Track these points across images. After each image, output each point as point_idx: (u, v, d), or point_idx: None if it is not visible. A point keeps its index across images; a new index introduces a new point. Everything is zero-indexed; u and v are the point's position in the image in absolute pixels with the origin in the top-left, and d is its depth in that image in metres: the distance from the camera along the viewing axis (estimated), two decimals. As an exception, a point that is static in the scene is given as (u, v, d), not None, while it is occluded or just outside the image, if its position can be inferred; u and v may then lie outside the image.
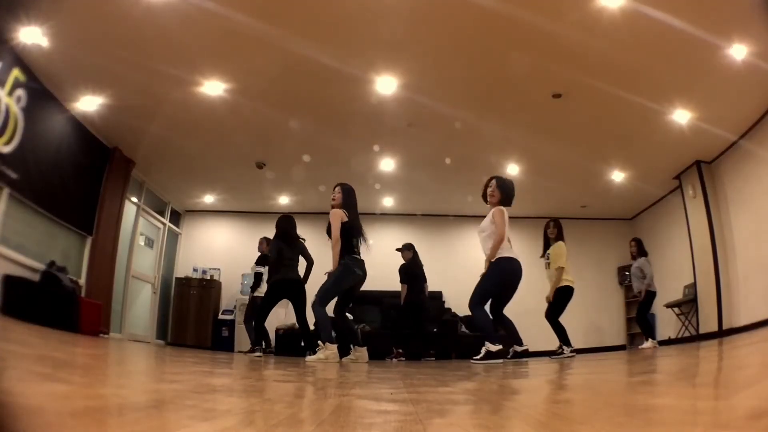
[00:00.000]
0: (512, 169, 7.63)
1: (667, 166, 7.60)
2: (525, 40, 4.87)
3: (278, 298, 5.56)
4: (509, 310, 4.84)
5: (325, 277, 4.74)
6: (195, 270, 9.23)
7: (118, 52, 4.95)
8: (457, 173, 7.91)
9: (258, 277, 7.01)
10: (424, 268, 7.10)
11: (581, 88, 5.57)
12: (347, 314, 7.73)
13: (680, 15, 4.36)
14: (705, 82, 5.41)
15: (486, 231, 4.58)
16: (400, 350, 6.73)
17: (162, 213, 9.07)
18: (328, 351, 4.48)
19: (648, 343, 6.55)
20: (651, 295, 6.82)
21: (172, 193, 9.08)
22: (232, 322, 8.77)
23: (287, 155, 7.45)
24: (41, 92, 5.38)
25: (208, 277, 9.16)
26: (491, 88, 5.81)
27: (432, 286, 7.51)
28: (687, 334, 7.47)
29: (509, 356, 4.82)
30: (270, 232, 6.07)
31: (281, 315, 7.54)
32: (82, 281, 6.43)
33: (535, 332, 6.08)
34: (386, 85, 5.63)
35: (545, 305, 5.77)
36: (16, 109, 4.98)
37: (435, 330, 7.96)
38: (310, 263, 5.83)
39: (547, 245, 5.84)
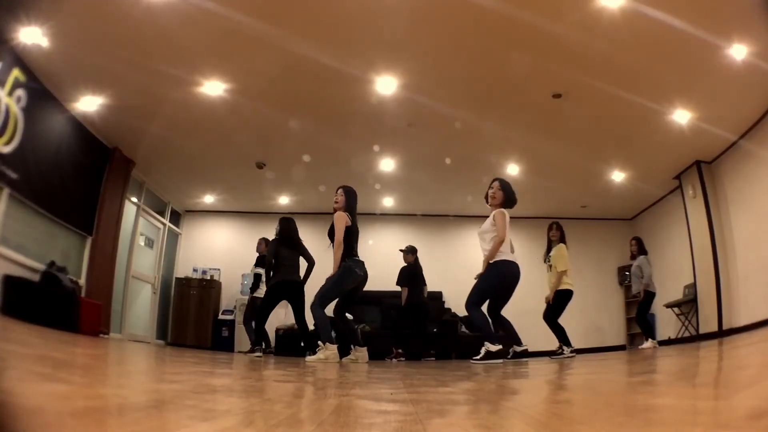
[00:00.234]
0: (512, 169, 7.63)
1: (667, 166, 7.60)
2: (525, 40, 4.87)
3: (278, 299, 5.56)
4: (509, 310, 4.85)
5: (325, 279, 4.74)
6: (195, 270, 9.23)
7: (118, 52, 4.95)
8: (457, 173, 7.91)
9: (257, 277, 7.02)
10: (424, 269, 7.12)
11: (581, 88, 5.57)
12: (347, 314, 7.75)
13: (680, 15, 4.36)
14: (705, 82, 5.41)
15: (488, 233, 4.58)
16: (400, 350, 6.73)
17: (162, 213, 9.07)
18: (328, 351, 4.48)
19: (648, 343, 6.55)
20: (650, 296, 6.81)
21: (172, 193, 9.08)
22: (232, 322, 8.77)
23: (287, 155, 7.45)
24: (41, 92, 5.38)
25: (208, 277, 9.16)
26: (491, 88, 5.81)
27: (432, 286, 7.51)
28: (687, 334, 7.47)
29: (509, 356, 4.82)
30: (270, 232, 6.08)
31: (281, 315, 7.54)
32: (82, 281, 6.43)
33: (535, 332, 6.08)
34: (386, 85, 5.63)
35: (544, 305, 5.78)
36: (16, 109, 4.98)
37: (435, 330, 7.96)
38: (311, 264, 5.81)
39: (549, 248, 5.85)
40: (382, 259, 7.73)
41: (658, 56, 5.00)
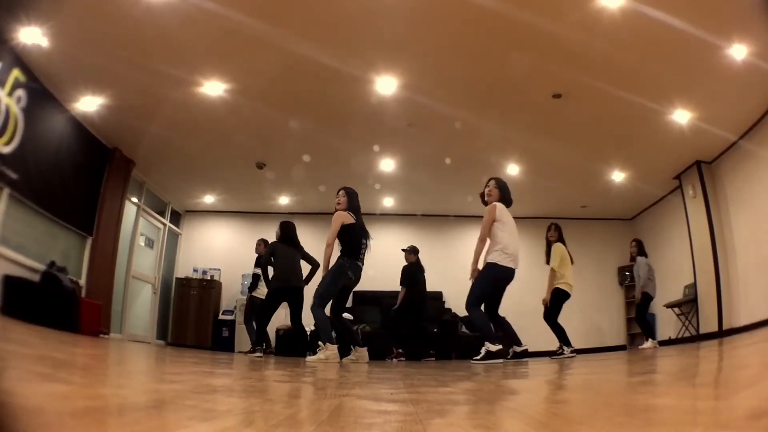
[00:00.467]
0: (512, 169, 7.63)
1: (667, 166, 7.59)
2: (525, 40, 4.87)
3: (278, 302, 5.61)
4: (509, 311, 4.85)
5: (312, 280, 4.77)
6: (195, 270, 9.23)
7: (118, 52, 4.95)
8: (457, 173, 7.91)
9: (256, 277, 7.02)
10: (425, 272, 7.12)
11: (581, 88, 5.57)
12: (347, 315, 7.75)
13: (680, 15, 4.36)
14: (705, 82, 5.41)
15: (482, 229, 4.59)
16: (400, 350, 6.73)
17: (162, 213, 9.07)
18: (328, 351, 4.48)
19: (648, 344, 6.55)
20: (647, 297, 6.82)
21: (172, 193, 9.08)
22: (233, 322, 8.77)
23: (287, 155, 7.45)
24: (41, 92, 5.38)
25: (209, 278, 9.16)
26: (491, 88, 5.81)
27: (432, 286, 7.51)
28: (687, 334, 7.47)
29: (509, 356, 4.82)
30: (270, 233, 6.09)
31: (281, 316, 7.53)
32: (82, 281, 6.43)
33: (535, 332, 6.08)
34: (386, 85, 5.63)
35: (542, 305, 5.78)
36: (16, 110, 4.98)
37: (435, 330, 7.97)
38: (315, 266, 5.81)
39: (548, 249, 5.85)
40: (382, 259, 7.71)
41: (658, 56, 5.00)
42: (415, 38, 4.97)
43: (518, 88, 5.77)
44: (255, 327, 6.10)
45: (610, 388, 1.75)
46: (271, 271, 5.86)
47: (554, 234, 5.82)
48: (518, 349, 4.90)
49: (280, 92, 5.88)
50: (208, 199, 9.35)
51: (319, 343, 4.64)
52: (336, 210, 4.88)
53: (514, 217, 4.77)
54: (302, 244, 5.93)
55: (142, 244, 8.38)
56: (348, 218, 4.76)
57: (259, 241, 7.25)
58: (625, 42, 4.77)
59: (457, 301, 8.73)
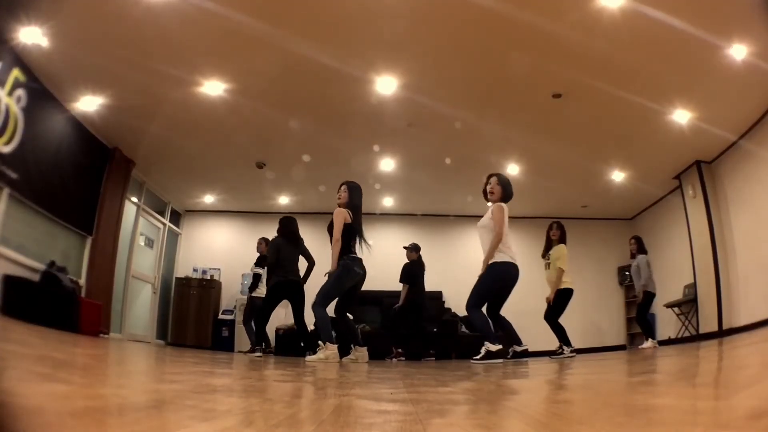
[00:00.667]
0: (512, 169, 7.63)
1: (667, 166, 7.60)
2: (525, 40, 4.87)
3: (279, 299, 5.58)
4: (509, 310, 4.84)
5: (325, 278, 4.74)
6: (195, 270, 9.23)
7: (118, 52, 4.95)
8: (457, 173, 7.91)
9: (256, 277, 7.02)
10: (425, 270, 7.12)
11: (581, 88, 5.57)
12: (348, 314, 7.73)
13: (680, 15, 4.36)
14: (705, 82, 5.41)
15: (486, 226, 4.57)
16: (400, 350, 6.73)
17: (162, 213, 9.07)
18: (328, 351, 4.48)
19: (648, 343, 6.55)
20: (649, 296, 6.80)
21: (172, 193, 9.08)
22: (232, 322, 8.77)
23: (287, 155, 7.45)
24: (41, 92, 5.38)
25: (208, 277, 9.16)
26: (491, 88, 5.81)
27: (432, 286, 7.52)
28: (687, 334, 7.47)
29: (509, 356, 4.82)
30: (270, 232, 6.08)
31: (281, 315, 7.54)
32: (82, 281, 6.43)
33: (535, 332, 6.08)
34: (386, 85, 5.63)
35: (545, 305, 5.78)
36: (16, 109, 4.98)
37: (435, 330, 7.97)
38: (311, 264, 5.84)
39: (548, 246, 5.84)
40: (382, 259, 7.72)
41: (658, 56, 5.00)
42: (415, 38, 4.97)
43: (518, 88, 5.77)
44: (254, 327, 6.09)
45: (610, 388, 1.75)
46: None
47: (557, 233, 5.81)
48: (518, 348, 4.89)
49: (280, 92, 5.88)
50: (208, 199, 9.35)
51: (319, 342, 4.63)
52: (338, 205, 4.87)
53: (514, 217, 4.77)
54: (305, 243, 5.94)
55: (142, 243, 8.38)
56: (348, 217, 4.76)
57: (260, 240, 7.24)
58: (625, 42, 4.77)
59: (457, 301, 8.73)
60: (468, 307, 4.49)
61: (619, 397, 1.41)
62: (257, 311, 6.08)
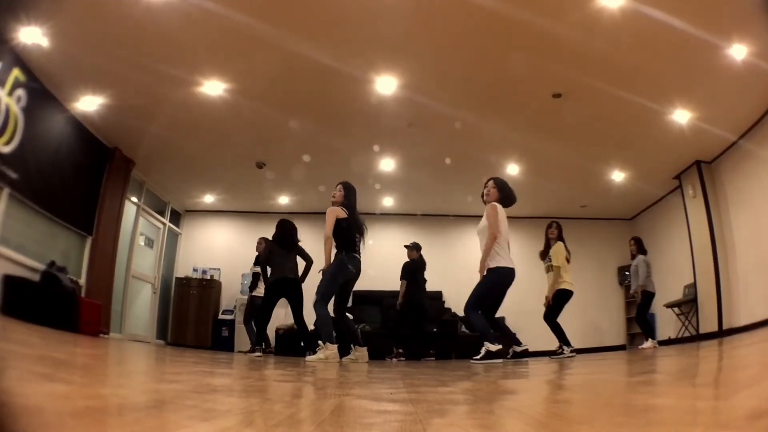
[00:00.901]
0: (512, 169, 7.63)
1: (667, 166, 7.60)
2: (525, 40, 4.86)
3: (277, 297, 5.60)
4: (510, 310, 4.85)
5: (321, 276, 4.76)
6: (195, 270, 9.23)
7: (118, 52, 4.95)
8: (457, 173, 7.91)
9: (256, 276, 7.03)
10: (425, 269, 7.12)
11: (581, 88, 5.57)
12: (347, 314, 7.73)
13: (680, 15, 4.36)
14: (705, 82, 5.41)
15: (484, 231, 4.56)
16: (401, 350, 6.72)
17: (162, 213, 9.07)
18: (328, 351, 4.48)
19: (648, 343, 6.55)
20: (648, 296, 6.81)
21: (172, 193, 9.08)
22: (232, 322, 8.78)
23: (287, 155, 7.45)
24: (41, 92, 5.38)
25: (208, 277, 9.16)
26: (491, 88, 5.81)
27: (432, 286, 7.51)
28: (687, 334, 7.47)
29: (509, 356, 4.82)
30: (270, 233, 6.09)
31: (281, 315, 7.54)
32: (82, 281, 6.43)
33: (535, 332, 6.09)
34: (386, 85, 5.63)
35: (544, 305, 5.78)
36: (16, 109, 4.98)
37: (435, 330, 7.97)
38: (309, 263, 5.89)
39: (547, 246, 5.85)
40: (382, 259, 7.73)
41: (658, 56, 5.00)
42: (415, 38, 4.97)
43: (518, 88, 5.77)
44: (254, 327, 6.10)
45: (610, 388, 1.75)
46: (269, 270, 5.90)
47: (554, 232, 5.82)
48: (518, 348, 4.89)
49: (280, 92, 5.88)
50: (208, 199, 9.35)
51: (319, 342, 4.64)
52: (332, 203, 4.91)
53: (515, 217, 4.77)
54: (302, 244, 5.95)
55: (142, 243, 8.38)
56: (341, 213, 4.79)
57: (260, 239, 7.25)
58: (625, 42, 4.77)
59: (457, 301, 8.72)
60: (466, 309, 4.48)
61: (619, 397, 1.41)
62: (257, 311, 6.10)
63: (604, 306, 9.49)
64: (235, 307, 8.90)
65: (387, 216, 9.71)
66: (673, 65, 5.13)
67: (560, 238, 5.81)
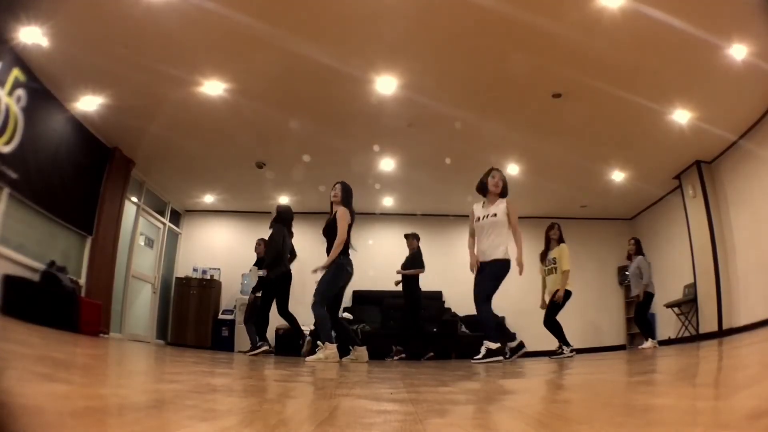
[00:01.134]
0: (512, 169, 7.63)
1: (667, 166, 7.60)
2: (525, 40, 4.86)
3: (282, 290, 5.70)
4: (509, 310, 4.85)
5: (314, 275, 4.74)
6: (195, 270, 9.23)
7: (118, 52, 4.95)
8: (457, 173, 7.91)
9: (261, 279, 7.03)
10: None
11: (581, 88, 5.57)
12: (347, 314, 7.73)
13: (680, 15, 4.36)
14: (705, 82, 5.41)
15: (503, 225, 4.55)
16: (400, 348, 6.71)
17: (162, 213, 9.07)
18: (328, 351, 4.48)
19: (648, 343, 6.55)
20: (649, 296, 6.81)
21: (172, 193, 9.08)
22: (232, 322, 8.78)
23: (287, 155, 7.45)
24: (41, 92, 5.38)
25: (208, 277, 9.16)
26: (491, 88, 5.81)
27: (432, 286, 7.52)
28: (687, 334, 7.47)
29: (507, 356, 4.82)
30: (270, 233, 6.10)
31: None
32: (82, 281, 6.43)
33: (535, 332, 6.08)
34: (386, 85, 5.63)
35: (545, 304, 5.78)
36: (16, 109, 4.98)
37: (435, 330, 7.97)
38: (293, 257, 5.98)
39: (547, 247, 5.84)
40: (382, 259, 7.74)
41: (658, 56, 5.00)
42: (415, 38, 4.97)
43: (518, 88, 5.77)
44: (257, 319, 6.07)
45: (610, 388, 1.75)
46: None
47: (556, 233, 5.83)
48: (512, 344, 4.87)
49: (280, 92, 5.88)
50: (208, 199, 9.35)
51: (318, 342, 4.64)
52: (332, 202, 4.90)
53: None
54: (302, 244, 5.99)
55: (142, 243, 8.38)
56: (349, 217, 4.80)
57: (258, 240, 7.25)
58: (625, 42, 4.77)
59: (457, 301, 8.73)
60: (481, 301, 4.46)
61: (619, 397, 1.41)
62: (260, 307, 6.04)
63: (604, 306, 9.48)
64: (235, 307, 8.89)
65: (387, 216, 9.71)
66: (673, 65, 5.13)
67: (561, 239, 5.80)
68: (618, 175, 7.93)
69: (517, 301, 5.10)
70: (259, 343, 5.92)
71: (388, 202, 9.36)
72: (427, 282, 7.17)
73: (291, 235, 5.94)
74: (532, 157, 7.40)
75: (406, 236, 7.14)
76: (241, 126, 6.59)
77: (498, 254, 4.48)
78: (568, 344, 5.54)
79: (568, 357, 5.35)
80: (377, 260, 8.08)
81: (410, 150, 7.35)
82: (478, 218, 4.65)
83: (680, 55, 4.94)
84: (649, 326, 7.06)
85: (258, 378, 2.31)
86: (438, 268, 8.41)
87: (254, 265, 7.26)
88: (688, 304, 7.60)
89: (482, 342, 4.35)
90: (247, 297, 7.55)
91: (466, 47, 5.07)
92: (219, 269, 9.30)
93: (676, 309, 7.87)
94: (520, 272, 4.58)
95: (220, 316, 8.90)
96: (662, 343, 7.55)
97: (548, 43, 4.83)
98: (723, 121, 6.13)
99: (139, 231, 8.14)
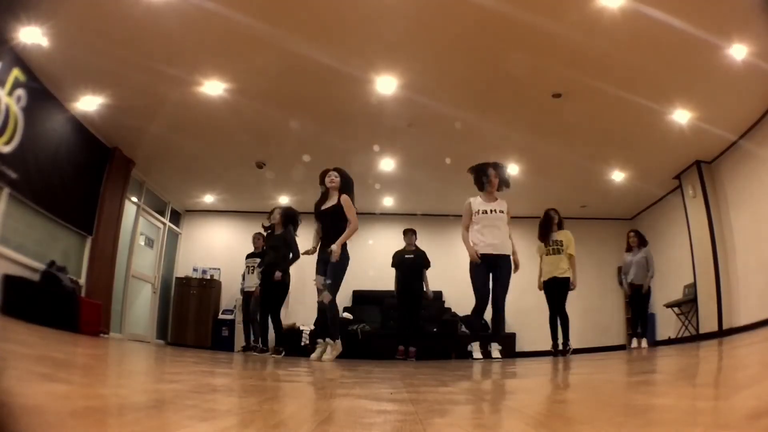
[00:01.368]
0: (512, 169, 7.62)
1: (667, 166, 7.59)
2: (525, 40, 4.86)
3: (285, 293, 5.77)
4: (508, 309, 4.86)
5: (312, 277, 4.76)
6: (195, 270, 9.23)
7: (118, 52, 4.95)
8: (457, 173, 7.88)
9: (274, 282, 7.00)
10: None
11: (581, 88, 5.57)
12: (347, 314, 7.72)
13: (680, 15, 4.36)
14: (705, 82, 5.41)
15: (503, 219, 4.65)
16: (402, 347, 6.64)
17: (162, 213, 9.07)
18: (338, 347, 4.51)
19: (643, 343, 6.53)
20: (649, 290, 6.76)
21: (172, 193, 9.08)
22: (232, 321, 8.78)
23: (287, 155, 7.45)
24: (41, 92, 5.38)
25: (208, 277, 9.16)
26: (491, 88, 5.81)
27: (432, 285, 7.48)
28: (687, 334, 7.47)
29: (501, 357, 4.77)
30: (270, 232, 6.12)
31: (281, 315, 7.52)
32: (82, 281, 6.43)
33: (535, 332, 6.08)
34: (386, 85, 5.63)
35: (542, 303, 5.77)
36: (16, 109, 4.98)
37: (435, 330, 7.96)
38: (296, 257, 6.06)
39: (548, 229, 5.82)
40: (382, 259, 7.71)
41: (658, 56, 5.00)
42: (415, 38, 4.97)
43: (518, 88, 5.77)
44: (273, 324, 5.97)
45: (610, 388, 1.75)
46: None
47: (556, 216, 5.85)
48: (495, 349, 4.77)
49: (280, 92, 5.88)
50: (208, 199, 9.35)
51: (327, 339, 4.62)
52: (328, 188, 4.89)
53: (514, 217, 4.83)
54: (302, 244, 5.99)
55: (142, 243, 8.38)
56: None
57: (257, 235, 7.22)
58: (625, 42, 4.77)
59: (457, 301, 8.73)
60: (504, 299, 4.56)
61: (619, 397, 1.41)
62: (273, 307, 5.96)
63: (604, 306, 9.48)
64: (235, 306, 8.89)
65: (387, 216, 9.70)
66: (673, 65, 5.13)
67: (561, 224, 5.83)
68: (618, 175, 7.93)
69: (516, 300, 5.10)
70: (262, 346, 5.94)
71: (388, 202, 9.35)
72: (429, 280, 7.16)
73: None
74: (532, 157, 7.40)
75: (408, 231, 7.09)
76: (241, 126, 6.59)
77: (508, 251, 4.55)
78: (568, 341, 5.54)
79: (566, 353, 5.36)
80: (377, 260, 8.06)
81: (410, 150, 7.35)
82: (484, 212, 4.69)
83: (680, 55, 4.94)
84: (647, 324, 7.03)
85: (258, 378, 2.31)
86: (438, 268, 8.38)
87: (250, 256, 7.23)
88: (688, 304, 7.59)
89: (492, 341, 4.37)
90: (249, 289, 7.44)
91: (466, 47, 5.07)
92: (219, 269, 9.30)
93: (676, 309, 7.86)
94: (516, 269, 4.61)
95: (220, 316, 8.90)
96: (662, 342, 7.54)
97: (548, 43, 4.83)
98: (723, 121, 6.13)
99: (139, 231, 8.14)
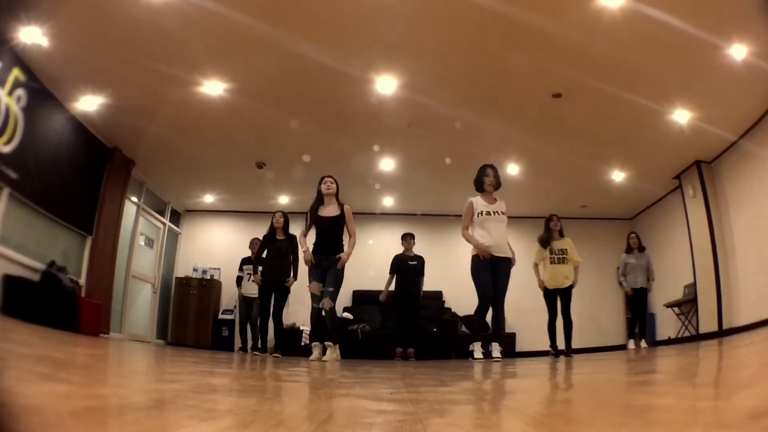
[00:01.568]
0: (512, 169, 7.63)
1: (667, 166, 7.59)
2: (525, 40, 4.86)
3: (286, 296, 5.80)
4: (507, 310, 4.87)
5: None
6: (195, 270, 9.22)
7: (118, 52, 4.95)
8: (457, 173, 7.90)
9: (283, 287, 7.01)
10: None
11: (581, 88, 5.57)
12: (348, 314, 7.73)
13: (680, 15, 4.36)
14: (705, 82, 5.41)
15: (503, 219, 4.72)
16: (400, 349, 6.66)
17: (162, 213, 9.07)
18: (337, 350, 4.69)
19: (642, 343, 6.53)
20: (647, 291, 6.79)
21: (172, 193, 9.08)
22: (232, 322, 8.77)
23: (287, 155, 7.45)
24: (41, 92, 5.38)
25: (208, 277, 9.16)
26: (491, 88, 5.81)
27: (432, 286, 7.51)
28: (687, 334, 7.47)
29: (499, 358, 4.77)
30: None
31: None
32: (82, 281, 6.43)
33: (535, 332, 6.08)
34: (386, 85, 5.63)
35: (542, 305, 5.77)
36: (16, 109, 4.98)
37: (435, 330, 7.95)
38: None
39: (549, 237, 5.83)
40: (382, 259, 7.71)
41: (658, 56, 5.00)
42: (415, 38, 4.97)
43: (518, 88, 5.77)
44: (276, 326, 5.99)
45: (610, 388, 1.75)
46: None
47: (558, 224, 5.85)
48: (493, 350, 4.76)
49: (280, 92, 5.88)
50: (208, 199, 9.34)
51: (326, 343, 4.74)
52: (325, 195, 5.16)
53: (514, 217, 4.85)
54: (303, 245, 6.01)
55: (142, 243, 8.38)
56: None
57: (254, 240, 7.23)
58: (625, 42, 4.77)
59: (457, 301, 8.73)
60: (503, 300, 4.63)
61: (619, 397, 1.41)
62: (276, 309, 5.98)
63: (604, 306, 9.48)
64: (235, 307, 8.89)
65: (387, 216, 9.70)
66: (673, 65, 5.13)
67: (562, 233, 5.83)
68: (618, 175, 7.93)
69: (517, 301, 5.10)
70: (277, 348, 5.96)
71: (388, 202, 9.35)
72: (427, 282, 7.17)
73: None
74: (532, 157, 7.40)
75: (407, 235, 7.09)
76: (241, 126, 6.59)
77: (509, 253, 4.60)
78: (570, 345, 5.54)
79: (568, 355, 5.35)
80: (377, 260, 8.06)
81: (410, 150, 7.35)
82: (487, 213, 4.72)
83: (680, 54, 4.94)
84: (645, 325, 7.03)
85: (258, 378, 2.31)
86: (438, 268, 8.40)
87: (247, 262, 7.23)
88: (688, 304, 7.59)
89: (492, 341, 4.39)
90: (252, 296, 7.45)
91: (466, 47, 5.07)
92: (219, 269, 9.29)
93: (676, 309, 7.86)
94: (514, 262, 4.78)
95: (220, 316, 8.90)
96: (662, 342, 7.54)
97: (548, 43, 4.83)
98: (723, 121, 6.13)
99: (139, 231, 8.14)
